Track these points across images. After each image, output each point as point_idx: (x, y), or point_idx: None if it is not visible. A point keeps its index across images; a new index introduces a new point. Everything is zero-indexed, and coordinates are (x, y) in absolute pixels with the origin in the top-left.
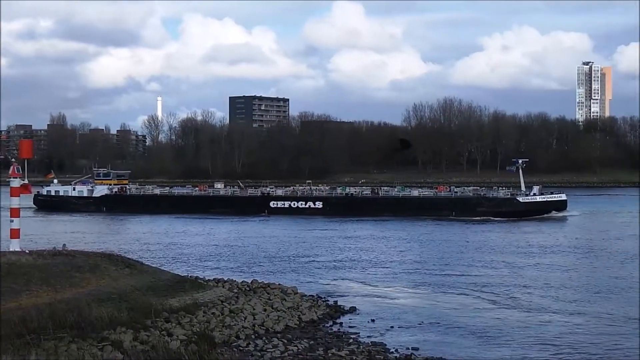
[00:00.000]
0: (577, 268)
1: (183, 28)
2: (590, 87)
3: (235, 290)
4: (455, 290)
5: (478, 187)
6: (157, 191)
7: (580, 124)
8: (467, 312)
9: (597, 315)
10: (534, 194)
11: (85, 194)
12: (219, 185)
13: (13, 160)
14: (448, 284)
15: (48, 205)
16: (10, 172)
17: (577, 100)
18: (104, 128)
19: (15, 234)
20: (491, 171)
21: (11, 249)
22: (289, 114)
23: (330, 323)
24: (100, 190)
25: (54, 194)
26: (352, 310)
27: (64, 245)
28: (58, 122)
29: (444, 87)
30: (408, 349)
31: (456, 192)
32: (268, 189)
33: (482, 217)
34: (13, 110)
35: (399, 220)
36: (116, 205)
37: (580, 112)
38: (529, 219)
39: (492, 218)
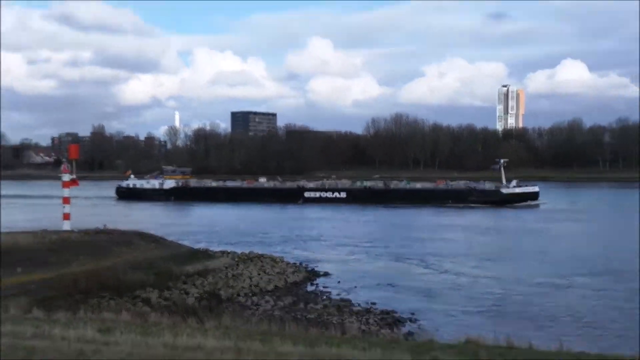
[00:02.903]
0: (515, 243)
1: (193, 58)
2: (508, 104)
3: (237, 259)
4: (409, 260)
5: (469, 181)
6: (214, 184)
7: (500, 133)
8: (414, 276)
9: (517, 277)
10: (514, 186)
11: (157, 187)
12: (262, 180)
13: (64, 160)
14: (406, 256)
15: (127, 195)
16: (62, 169)
17: (498, 114)
18: (134, 135)
19: (66, 216)
20: (431, 169)
21: (64, 229)
22: (276, 125)
23: (309, 284)
24: (169, 183)
25: (131, 187)
26: (326, 274)
27: (105, 225)
28: (98, 131)
29: (395, 105)
30: (367, 303)
31: (452, 185)
32: (302, 183)
33: (473, 205)
34: (63, 121)
35: (406, 207)
36: (182, 196)
37: (500, 123)
38: (509, 206)
39: (481, 205)
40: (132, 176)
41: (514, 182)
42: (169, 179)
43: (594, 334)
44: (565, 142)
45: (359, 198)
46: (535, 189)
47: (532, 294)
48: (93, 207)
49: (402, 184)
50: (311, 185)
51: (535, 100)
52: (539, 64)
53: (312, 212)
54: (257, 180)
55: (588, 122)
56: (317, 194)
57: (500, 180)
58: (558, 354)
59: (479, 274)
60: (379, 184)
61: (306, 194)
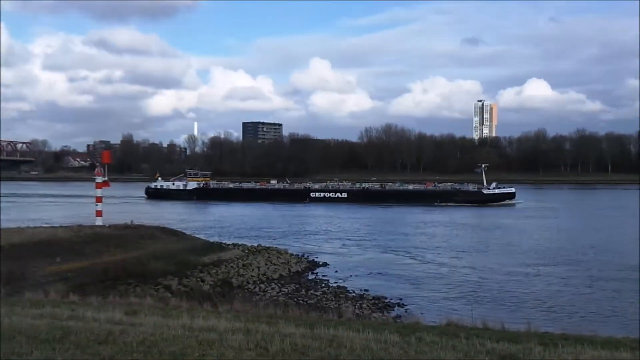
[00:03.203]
0: (497, 237)
1: (210, 76)
2: (482, 116)
3: (246, 251)
4: (398, 252)
5: (454, 183)
6: (231, 185)
7: (476, 141)
8: (402, 266)
9: (491, 268)
10: (494, 188)
11: (181, 188)
12: (273, 182)
13: (97, 164)
14: (395, 248)
15: (155, 195)
16: (95, 172)
17: (474, 125)
18: (158, 143)
19: (99, 213)
20: (417, 172)
21: (97, 224)
22: (282, 134)
23: (310, 273)
24: (192, 185)
25: (159, 187)
26: (325, 264)
27: (132, 220)
28: (127, 139)
29: (385, 116)
30: (361, 290)
31: (439, 186)
32: (308, 184)
33: (458, 204)
34: (98, 131)
35: (399, 206)
36: (203, 196)
37: (476, 133)
38: (490, 205)
39: (465, 205)
40: (159, 178)
41: (493, 184)
42: (192, 180)
43: (557, 315)
44: (532, 149)
45: (358, 198)
46: (512, 190)
47: (504, 281)
48: (126, 205)
49: (396, 186)
50: (316, 186)
51: (506, 113)
52: (508, 82)
53: (316, 211)
54: (268, 182)
55: (551, 132)
56: (322, 194)
57: (481, 183)
58: (527, 334)
59: (458, 264)
60: (376, 186)
61: (312, 194)
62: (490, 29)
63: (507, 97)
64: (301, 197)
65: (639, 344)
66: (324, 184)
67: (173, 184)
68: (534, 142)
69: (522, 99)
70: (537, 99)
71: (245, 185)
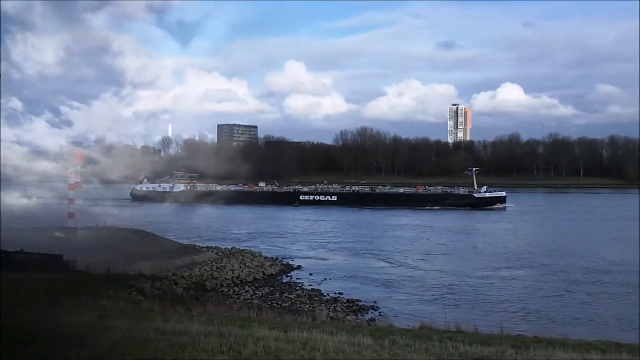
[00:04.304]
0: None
1: (185, 78)
2: (457, 120)
3: (220, 254)
4: (372, 256)
5: (444, 186)
6: (218, 188)
7: (450, 144)
8: (377, 269)
9: (462, 272)
10: (484, 191)
11: (167, 190)
12: (262, 184)
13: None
14: (372, 251)
15: (141, 197)
16: (68, 173)
17: (448, 129)
18: (132, 144)
19: (71, 215)
20: (392, 175)
21: (69, 226)
22: (257, 136)
23: (284, 276)
24: (178, 187)
25: (145, 190)
26: (299, 267)
27: (104, 222)
28: (101, 139)
29: (360, 119)
30: (335, 293)
31: (430, 190)
32: (298, 187)
33: (448, 207)
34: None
35: (389, 209)
36: (189, 198)
37: (451, 137)
38: (481, 209)
39: (455, 208)
40: (145, 180)
41: (484, 188)
42: (178, 183)
43: (529, 318)
44: (506, 153)
45: (348, 201)
46: (503, 193)
47: (477, 285)
48: (116, 208)
49: (387, 189)
50: (305, 189)
51: (480, 117)
52: (482, 86)
53: (305, 214)
54: (257, 184)
55: (525, 136)
56: (311, 197)
57: (472, 186)
58: (499, 336)
59: (433, 268)
60: (366, 189)
61: (301, 197)
62: (465, 33)
63: (481, 101)
64: (290, 200)
65: None
66: (314, 186)
67: (159, 186)
68: (508, 146)
69: (496, 103)
70: (511, 103)
71: (233, 187)
